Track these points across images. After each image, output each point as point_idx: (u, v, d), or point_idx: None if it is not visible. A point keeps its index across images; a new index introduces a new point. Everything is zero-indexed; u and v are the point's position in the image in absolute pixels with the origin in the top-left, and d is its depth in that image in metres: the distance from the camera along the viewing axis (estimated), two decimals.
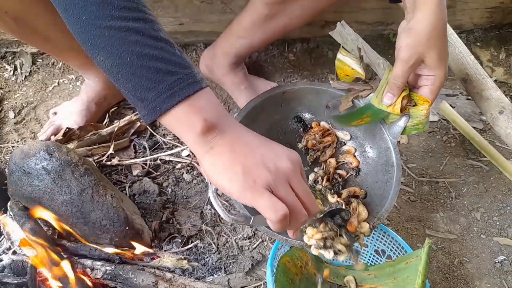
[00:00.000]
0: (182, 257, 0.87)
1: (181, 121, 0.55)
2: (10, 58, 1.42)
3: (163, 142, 1.19)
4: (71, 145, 1.06)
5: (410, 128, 0.83)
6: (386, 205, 0.77)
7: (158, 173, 1.11)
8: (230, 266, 0.95)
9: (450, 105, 1.29)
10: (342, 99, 0.89)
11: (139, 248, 0.87)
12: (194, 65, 0.57)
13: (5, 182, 0.89)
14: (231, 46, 1.19)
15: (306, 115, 0.96)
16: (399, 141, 1.22)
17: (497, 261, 0.98)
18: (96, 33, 0.53)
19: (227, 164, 0.55)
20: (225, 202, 1.05)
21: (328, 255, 0.72)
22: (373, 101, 0.84)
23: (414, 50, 0.74)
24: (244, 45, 1.17)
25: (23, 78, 1.37)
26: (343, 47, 0.89)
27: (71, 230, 0.86)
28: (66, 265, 0.80)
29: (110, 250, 0.85)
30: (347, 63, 0.90)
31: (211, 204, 0.93)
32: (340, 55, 0.90)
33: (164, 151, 1.15)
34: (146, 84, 0.53)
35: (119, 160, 1.09)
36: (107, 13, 0.52)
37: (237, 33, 1.16)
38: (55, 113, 1.21)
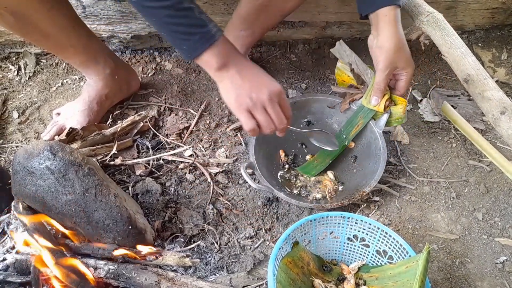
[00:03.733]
0: (185, 255, 0.87)
1: (204, 63, 0.85)
2: (14, 58, 1.43)
3: (166, 142, 1.19)
4: (74, 145, 1.07)
5: (393, 121, 1.10)
6: (375, 176, 1.03)
7: (161, 173, 1.12)
8: (232, 266, 0.96)
9: (452, 105, 1.29)
10: (342, 102, 1.16)
11: (145, 250, 0.87)
12: (210, 20, 0.82)
13: (9, 181, 0.90)
14: (235, 40, 1.20)
15: (311, 118, 1.21)
16: (401, 141, 1.22)
17: (498, 262, 0.98)
18: (142, 10, 0.81)
19: (228, 91, 0.87)
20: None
21: None
22: (363, 102, 1.10)
23: (389, 62, 0.98)
24: (247, 36, 1.20)
25: (27, 79, 1.38)
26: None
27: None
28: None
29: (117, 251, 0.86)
30: (345, 71, 1.16)
31: (243, 178, 1.08)
32: (339, 64, 1.17)
33: (167, 151, 1.16)
34: (180, 41, 0.82)
35: (122, 160, 1.10)
36: None
37: (239, 26, 1.18)
38: (59, 114, 1.22)
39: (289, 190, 1.10)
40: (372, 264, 0.93)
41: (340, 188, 1.11)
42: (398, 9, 0.98)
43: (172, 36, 0.82)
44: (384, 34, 0.97)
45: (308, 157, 1.18)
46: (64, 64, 1.42)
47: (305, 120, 1.20)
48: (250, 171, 1.05)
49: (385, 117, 1.08)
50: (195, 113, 1.28)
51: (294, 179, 1.13)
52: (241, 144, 1.20)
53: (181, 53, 0.84)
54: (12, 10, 0.92)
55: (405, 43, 0.99)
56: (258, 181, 1.03)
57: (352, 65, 1.13)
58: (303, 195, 1.09)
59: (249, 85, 0.86)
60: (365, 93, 1.09)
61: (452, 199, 1.10)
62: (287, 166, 1.16)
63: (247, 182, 1.01)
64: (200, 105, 1.30)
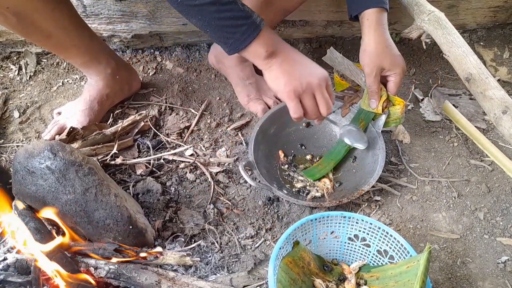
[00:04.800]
0: (185, 254, 0.87)
1: (252, 53, 0.85)
2: (15, 58, 1.43)
3: (167, 141, 1.19)
4: (75, 145, 1.07)
5: (391, 122, 1.12)
6: (374, 175, 1.04)
7: (162, 173, 1.12)
8: (233, 265, 0.96)
9: (453, 104, 1.29)
10: (342, 107, 1.18)
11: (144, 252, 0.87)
12: (252, 10, 0.82)
13: (10, 181, 0.90)
14: None
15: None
16: (402, 141, 1.22)
17: (500, 262, 0.98)
18: (189, 10, 0.80)
19: (277, 76, 0.87)
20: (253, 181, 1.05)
21: None
22: (362, 105, 1.12)
23: (372, 65, 1.02)
24: None
25: (27, 78, 1.39)
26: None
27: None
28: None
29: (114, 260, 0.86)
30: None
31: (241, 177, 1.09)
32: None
33: (168, 151, 1.16)
34: (226, 35, 0.82)
35: (123, 160, 1.10)
36: None
37: None
38: (59, 113, 1.22)
39: (288, 188, 1.10)
40: (373, 264, 0.93)
41: (338, 185, 1.12)
42: (382, 12, 1.01)
43: (219, 31, 0.81)
44: (367, 37, 1.02)
45: (308, 157, 1.19)
46: (65, 63, 1.43)
47: (306, 122, 1.21)
48: (249, 170, 1.05)
49: (383, 118, 1.10)
50: (196, 112, 1.28)
51: (293, 178, 1.14)
52: (242, 143, 1.20)
53: (227, 47, 0.84)
54: (14, 11, 0.92)
55: (390, 44, 1.02)
56: (256, 179, 1.03)
57: (344, 72, 1.16)
58: (302, 194, 1.09)
59: (299, 71, 0.87)
60: (363, 97, 1.12)
61: (453, 198, 1.10)
62: (286, 166, 1.16)
63: (247, 182, 1.01)
64: (201, 105, 1.30)
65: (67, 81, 1.38)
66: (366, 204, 1.08)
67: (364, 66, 1.04)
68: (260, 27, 0.82)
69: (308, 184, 1.12)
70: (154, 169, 1.12)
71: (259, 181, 1.02)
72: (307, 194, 1.09)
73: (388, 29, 1.51)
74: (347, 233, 0.92)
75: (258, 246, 0.99)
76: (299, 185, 1.12)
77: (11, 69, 1.41)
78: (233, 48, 0.83)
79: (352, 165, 1.15)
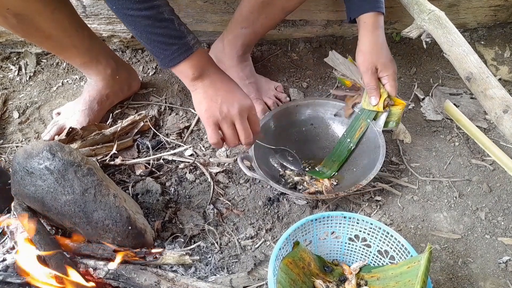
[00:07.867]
0: (184, 253, 0.87)
1: (180, 73, 0.87)
2: (15, 58, 1.43)
3: (166, 141, 1.19)
4: (74, 145, 1.07)
5: (390, 122, 1.12)
6: (373, 171, 1.04)
7: (161, 173, 1.11)
8: (233, 266, 0.95)
9: (454, 104, 1.28)
10: (345, 107, 1.18)
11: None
12: (188, 32, 0.83)
13: (9, 182, 0.89)
14: (237, 38, 1.21)
15: (313, 120, 1.23)
16: (403, 140, 1.22)
17: (501, 262, 0.97)
18: (123, 18, 0.80)
19: (200, 101, 0.89)
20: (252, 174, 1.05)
21: None
22: (363, 105, 1.13)
23: (367, 63, 1.06)
24: (248, 34, 1.20)
25: (27, 78, 1.38)
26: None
27: None
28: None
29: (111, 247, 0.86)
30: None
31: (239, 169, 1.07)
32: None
33: (167, 151, 1.15)
34: (158, 50, 0.83)
35: (122, 160, 1.10)
36: (128, 6, 0.77)
37: (240, 24, 1.18)
38: (59, 113, 1.22)
39: (286, 184, 1.09)
40: (373, 264, 0.92)
41: (335, 183, 1.11)
42: (379, 16, 1.04)
43: (150, 45, 0.82)
44: (362, 39, 1.06)
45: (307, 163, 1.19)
46: (65, 64, 1.42)
47: (310, 123, 1.22)
48: (248, 168, 1.04)
49: (384, 116, 1.10)
50: (196, 112, 1.27)
51: (292, 176, 1.13)
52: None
53: (158, 61, 0.86)
54: (15, 12, 0.92)
55: (384, 47, 1.07)
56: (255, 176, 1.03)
57: (345, 72, 1.18)
58: (300, 190, 1.08)
59: (221, 98, 0.87)
60: (363, 96, 1.13)
61: (454, 198, 1.09)
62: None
63: (247, 182, 1.01)
64: None
65: (67, 81, 1.38)
66: (366, 204, 1.07)
67: (360, 65, 1.08)
68: (193, 49, 0.83)
69: (306, 181, 1.11)
70: (153, 169, 1.11)
71: (256, 173, 1.01)
72: (305, 191, 1.08)
73: (389, 28, 1.52)
74: (347, 234, 0.92)
75: (258, 247, 0.99)
76: (297, 181, 1.11)
77: (11, 69, 1.41)
78: (162, 63, 0.84)
79: (352, 163, 1.14)
